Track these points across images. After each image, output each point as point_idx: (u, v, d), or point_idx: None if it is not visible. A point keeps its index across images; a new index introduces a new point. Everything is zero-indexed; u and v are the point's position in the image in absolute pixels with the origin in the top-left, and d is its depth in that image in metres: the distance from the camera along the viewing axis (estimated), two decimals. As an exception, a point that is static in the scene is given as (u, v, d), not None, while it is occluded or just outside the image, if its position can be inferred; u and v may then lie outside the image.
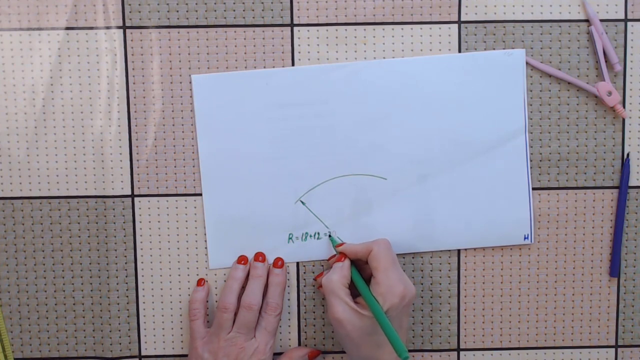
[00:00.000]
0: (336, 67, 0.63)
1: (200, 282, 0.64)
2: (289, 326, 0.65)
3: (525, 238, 0.64)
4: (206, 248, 0.64)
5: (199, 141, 0.63)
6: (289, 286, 0.65)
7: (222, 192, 0.63)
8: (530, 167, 0.64)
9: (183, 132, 0.63)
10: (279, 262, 0.63)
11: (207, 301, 0.64)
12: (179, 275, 0.65)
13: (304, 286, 0.65)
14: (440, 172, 0.63)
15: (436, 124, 0.63)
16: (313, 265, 0.65)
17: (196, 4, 0.62)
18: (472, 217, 0.64)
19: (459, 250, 0.65)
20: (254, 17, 0.63)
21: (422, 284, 0.65)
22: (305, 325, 0.66)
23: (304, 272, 0.65)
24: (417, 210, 0.64)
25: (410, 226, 0.64)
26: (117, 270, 0.64)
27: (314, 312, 0.65)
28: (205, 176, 0.63)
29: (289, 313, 0.65)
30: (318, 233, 0.64)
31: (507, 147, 0.63)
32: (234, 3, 0.62)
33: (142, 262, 0.64)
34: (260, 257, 0.63)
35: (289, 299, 0.65)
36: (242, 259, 0.63)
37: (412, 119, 0.63)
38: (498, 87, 0.63)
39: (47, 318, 0.65)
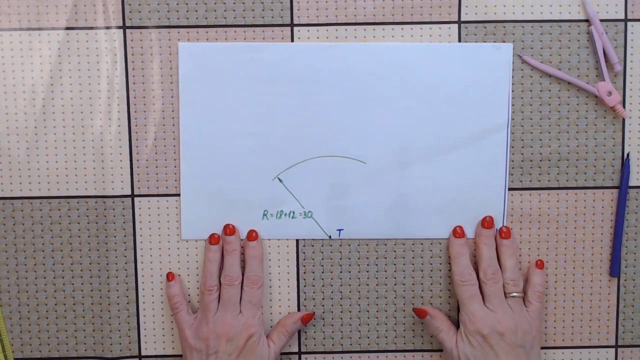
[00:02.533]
0: (326, 46, 0.62)
1: (170, 276, 0.63)
2: (289, 326, 0.65)
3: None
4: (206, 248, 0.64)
5: (180, 110, 0.63)
6: (288, 286, 0.65)
7: (200, 164, 0.63)
8: (530, 167, 0.64)
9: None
10: (253, 234, 0.63)
11: (183, 290, 0.64)
12: (179, 275, 0.65)
13: (304, 286, 0.65)
14: (420, 160, 0.63)
15: (420, 112, 0.63)
16: (313, 266, 0.65)
17: (196, 4, 0.62)
18: (447, 208, 0.64)
19: (459, 250, 0.65)
20: (254, 17, 0.63)
21: (422, 284, 0.65)
22: (306, 325, 0.65)
23: (304, 272, 0.65)
24: (393, 196, 0.63)
25: (385, 212, 0.64)
26: (117, 270, 0.64)
27: (314, 312, 0.65)
28: (184, 146, 0.63)
29: (289, 313, 0.65)
30: (293, 212, 0.64)
31: (488, 140, 0.63)
32: (234, 3, 0.62)
33: (142, 262, 0.64)
34: (228, 229, 0.63)
35: (288, 299, 0.65)
36: (213, 240, 0.63)
37: (396, 106, 0.62)
38: (485, 80, 0.62)
39: (47, 318, 0.65)
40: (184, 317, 0.62)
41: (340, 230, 0.64)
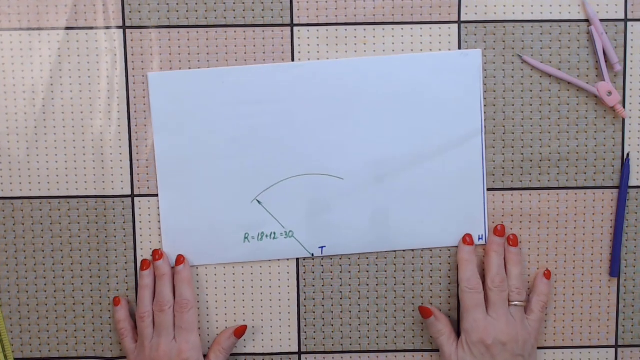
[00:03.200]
0: (293, 66, 0.62)
1: (117, 301, 0.63)
2: (289, 326, 0.65)
3: (479, 239, 0.64)
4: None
5: (155, 138, 0.63)
6: (288, 286, 0.65)
7: (178, 190, 0.63)
8: (531, 167, 0.64)
9: (183, 132, 0.63)
10: (180, 259, 0.63)
11: (129, 316, 0.64)
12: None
13: (304, 286, 0.65)
14: (396, 172, 0.63)
15: (393, 124, 0.63)
16: (313, 266, 0.65)
17: (196, 4, 0.62)
18: (428, 217, 0.64)
19: (458, 250, 0.65)
20: (254, 17, 0.63)
21: (422, 284, 0.65)
22: (305, 326, 0.66)
23: (304, 272, 0.65)
24: (373, 210, 0.63)
25: (366, 226, 0.64)
26: (117, 270, 0.64)
27: (314, 312, 0.65)
28: (161, 173, 0.63)
29: (288, 313, 0.65)
30: (274, 233, 0.64)
31: (463, 147, 0.63)
32: (234, 3, 0.62)
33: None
34: (157, 255, 0.62)
35: (288, 299, 0.65)
36: (144, 265, 0.63)
37: (369, 119, 0.63)
38: (455, 88, 0.63)
39: (47, 318, 0.65)
40: (128, 344, 0.62)
41: (322, 247, 0.64)
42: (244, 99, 0.62)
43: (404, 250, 0.65)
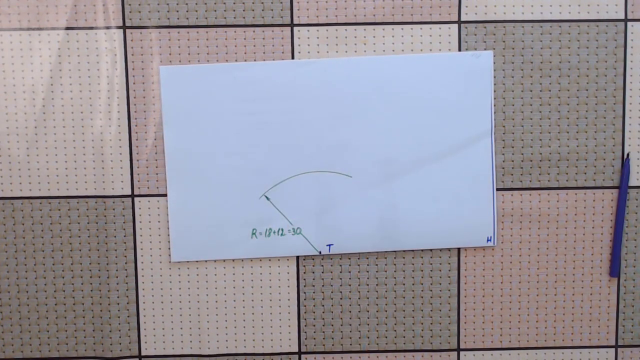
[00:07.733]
0: (305, 63, 0.62)
1: None
2: (289, 326, 0.65)
3: (488, 240, 0.64)
4: (206, 248, 0.64)
5: (164, 132, 0.63)
6: (288, 286, 0.65)
7: (187, 184, 0.63)
8: (530, 167, 0.64)
9: (183, 132, 0.63)
10: None
11: None
12: (179, 275, 0.65)
13: (304, 286, 0.65)
14: (405, 172, 0.63)
15: (403, 123, 0.63)
16: (313, 266, 0.65)
17: (196, 4, 0.62)
18: (436, 218, 0.64)
19: (459, 250, 0.65)
20: (254, 17, 0.63)
21: (422, 284, 0.65)
22: (306, 326, 0.66)
23: (304, 272, 0.65)
24: (381, 209, 0.63)
25: (374, 225, 0.64)
26: (117, 270, 0.64)
27: (314, 312, 0.65)
28: (169, 168, 0.63)
29: (288, 313, 0.65)
30: (282, 229, 0.64)
31: (473, 148, 0.63)
32: (234, 3, 0.62)
33: (142, 262, 0.64)
34: None
35: (288, 299, 0.65)
36: None
37: (379, 118, 0.63)
38: (466, 89, 0.63)
39: (47, 318, 0.65)
40: None
41: (330, 245, 0.64)
42: (254, 95, 0.62)
43: (404, 250, 0.65)
